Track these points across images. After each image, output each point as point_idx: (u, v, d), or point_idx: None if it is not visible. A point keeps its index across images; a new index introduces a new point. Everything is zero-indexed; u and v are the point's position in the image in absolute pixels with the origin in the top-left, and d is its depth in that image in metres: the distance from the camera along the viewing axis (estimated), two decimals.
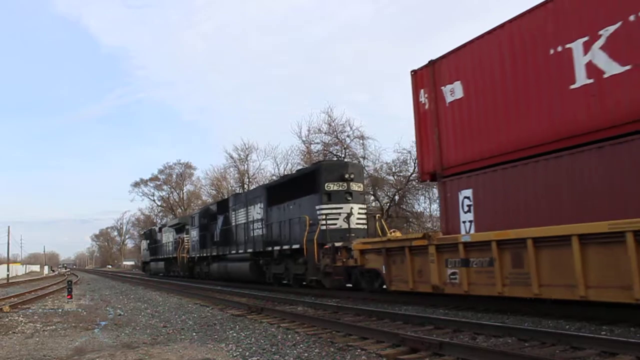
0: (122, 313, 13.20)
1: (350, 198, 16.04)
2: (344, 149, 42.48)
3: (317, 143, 44.24)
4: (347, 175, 16.07)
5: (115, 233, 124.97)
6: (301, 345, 7.41)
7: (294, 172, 22.40)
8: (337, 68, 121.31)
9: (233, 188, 56.15)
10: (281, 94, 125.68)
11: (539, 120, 9.47)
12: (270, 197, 19.37)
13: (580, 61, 8.85)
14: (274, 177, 49.19)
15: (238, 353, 7.09)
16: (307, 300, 13.69)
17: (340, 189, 15.98)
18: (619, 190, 8.07)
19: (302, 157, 45.68)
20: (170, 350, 7.40)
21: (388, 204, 39.59)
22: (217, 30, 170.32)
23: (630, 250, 6.99)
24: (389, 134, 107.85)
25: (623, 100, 8.16)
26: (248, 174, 54.02)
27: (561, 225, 8.21)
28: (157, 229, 41.84)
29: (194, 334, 9.15)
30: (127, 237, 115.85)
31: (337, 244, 14.68)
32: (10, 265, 54.12)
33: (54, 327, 10.62)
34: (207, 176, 64.46)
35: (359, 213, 16.12)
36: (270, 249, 18.63)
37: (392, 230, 15.63)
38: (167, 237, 35.86)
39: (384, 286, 12.47)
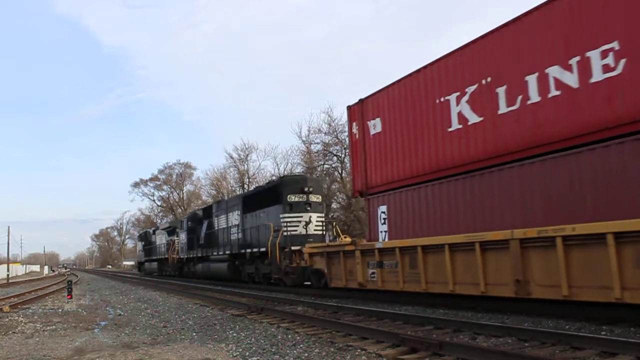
0: (122, 313, 13.20)
1: (309, 208, 18.45)
2: (344, 149, 42.46)
3: (317, 143, 44.27)
4: (306, 188, 18.49)
5: (115, 233, 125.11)
6: (301, 345, 7.42)
7: (266, 183, 26.32)
8: (337, 68, 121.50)
9: (233, 188, 56.20)
10: (281, 94, 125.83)
11: (428, 154, 12.34)
12: (245, 205, 21.84)
13: (455, 111, 11.66)
14: (274, 177, 49.25)
15: (238, 353, 7.09)
16: (307, 300, 13.70)
17: (301, 200, 18.46)
18: (478, 210, 11.04)
19: (302, 157, 45.69)
20: (170, 350, 7.40)
21: None
22: (217, 30, 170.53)
23: (477, 256, 9.44)
24: None
25: (480, 142, 11.01)
26: (248, 174, 54.05)
27: (439, 236, 10.89)
28: (151, 231, 44.07)
29: (194, 334, 9.15)
30: (127, 237, 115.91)
31: (293, 248, 16.88)
32: (10, 265, 54.15)
33: (54, 327, 10.63)
34: (207, 176, 64.58)
35: (316, 221, 18.46)
36: (244, 251, 21.09)
37: (344, 236, 17.40)
38: (160, 239, 37.91)
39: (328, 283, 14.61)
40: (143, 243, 46.37)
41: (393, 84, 13.80)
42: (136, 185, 78.70)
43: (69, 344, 8.40)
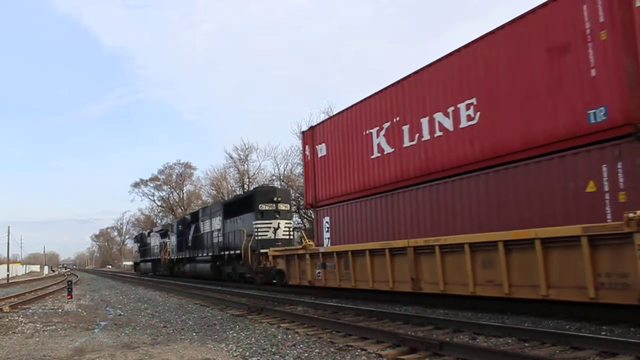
0: (122, 313, 13.20)
1: (278, 215, 20.93)
2: None
3: None
4: (276, 198, 21.10)
5: (115, 233, 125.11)
6: (301, 345, 7.42)
7: (243, 193, 30.54)
8: (337, 68, 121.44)
9: (233, 188, 56.21)
10: (281, 94, 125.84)
11: (358, 176, 15.13)
12: (225, 212, 24.28)
13: (375, 142, 14.51)
14: (274, 177, 49.36)
15: (238, 353, 7.09)
16: (307, 300, 13.70)
17: (271, 208, 20.92)
18: (391, 222, 13.88)
19: (303, 157, 45.63)
20: (171, 351, 7.40)
21: None
22: (217, 30, 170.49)
23: (387, 260, 11.53)
24: None
25: (393, 169, 13.85)
26: (248, 174, 54.05)
27: (364, 243, 13.44)
28: (146, 233, 46.77)
29: (194, 334, 9.15)
30: (127, 237, 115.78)
31: (262, 251, 19.25)
32: (10, 265, 54.16)
33: (54, 327, 10.63)
34: (207, 176, 64.59)
35: (284, 227, 20.92)
36: (223, 253, 23.71)
37: (308, 240, 18.46)
38: (154, 241, 40.46)
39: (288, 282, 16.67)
40: (139, 244, 48.69)
41: (334, 115, 17.46)
42: (136, 185, 78.79)
43: (69, 344, 8.40)
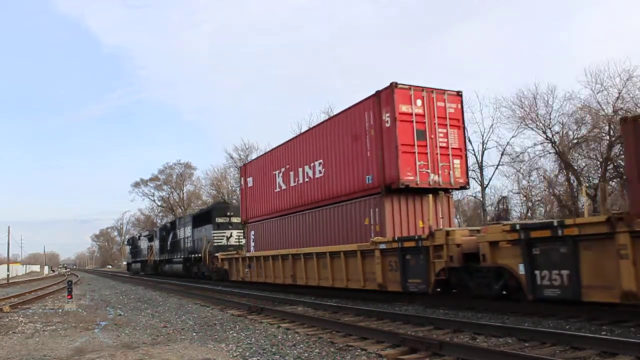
0: (122, 313, 13.20)
1: (230, 227, 26.31)
2: None
3: None
4: (229, 213, 26.64)
5: (116, 233, 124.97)
6: (301, 345, 7.42)
7: (205, 207, 37.52)
8: (338, 68, 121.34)
9: (233, 188, 56.20)
10: (282, 94, 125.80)
11: (269, 205, 20.13)
12: (194, 222, 29.92)
13: (277, 180, 19.40)
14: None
15: (238, 353, 7.09)
16: (307, 300, 13.71)
17: (225, 221, 26.43)
18: (287, 235, 18.53)
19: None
20: (171, 351, 7.40)
21: None
22: (218, 30, 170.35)
23: (280, 262, 16.95)
24: None
25: (286, 200, 18.73)
26: None
27: (272, 250, 18.45)
28: (137, 237, 51.95)
29: (194, 334, 9.15)
30: (127, 237, 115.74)
31: (216, 254, 24.13)
32: (11, 265, 54.12)
33: (54, 327, 10.63)
34: (207, 176, 64.60)
35: (236, 235, 26.19)
36: (191, 256, 29.56)
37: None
38: (143, 244, 45.45)
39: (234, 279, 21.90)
40: (130, 247, 54.44)
41: (258, 157, 24.51)
42: (136, 185, 78.73)
43: (69, 344, 8.40)
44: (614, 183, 30.43)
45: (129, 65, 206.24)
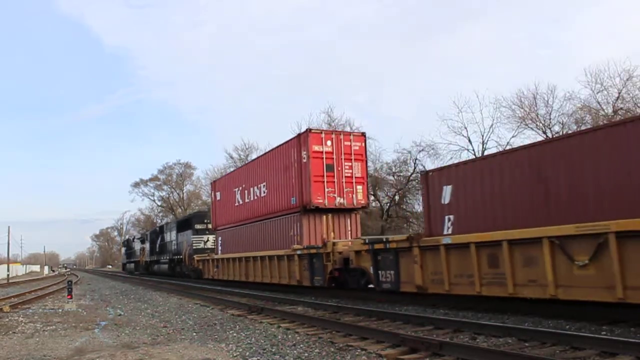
0: (122, 313, 13.20)
1: (207, 232, 29.31)
2: None
3: None
4: (206, 220, 29.40)
5: (116, 233, 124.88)
6: (301, 345, 7.42)
7: (187, 215, 41.18)
8: (338, 68, 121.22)
9: None
10: (282, 94, 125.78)
11: (231, 216, 23.44)
12: (178, 227, 33.71)
13: (237, 196, 22.74)
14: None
15: (238, 353, 7.09)
16: (307, 300, 13.71)
17: (202, 227, 29.97)
18: (246, 241, 21.40)
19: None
20: (171, 350, 7.40)
21: (388, 204, 39.58)
22: (219, 30, 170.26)
23: (244, 263, 20.96)
24: (389, 133, 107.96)
25: (242, 213, 22.05)
26: None
27: (236, 253, 21.88)
28: (131, 239, 56.86)
29: (194, 334, 9.15)
30: (127, 237, 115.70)
31: (194, 256, 27.96)
32: (11, 265, 54.12)
33: (54, 327, 10.63)
34: (207, 176, 64.49)
35: (212, 240, 28.44)
36: (175, 257, 33.60)
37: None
38: (137, 246, 49.73)
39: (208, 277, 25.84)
40: (125, 248, 59.77)
41: (223, 176, 30.30)
42: (136, 185, 78.66)
43: (69, 344, 8.40)
44: None
45: (129, 65, 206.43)
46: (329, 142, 17.61)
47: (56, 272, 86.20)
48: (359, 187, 17.76)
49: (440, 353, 6.25)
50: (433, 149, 37.39)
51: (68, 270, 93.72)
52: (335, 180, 17.30)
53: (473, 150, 36.03)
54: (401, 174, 39.09)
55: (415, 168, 38.03)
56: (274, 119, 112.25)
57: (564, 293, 8.40)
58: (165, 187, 76.99)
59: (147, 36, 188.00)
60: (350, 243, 14.64)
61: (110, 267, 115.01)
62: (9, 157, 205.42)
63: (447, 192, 11.93)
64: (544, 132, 32.91)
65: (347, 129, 41.76)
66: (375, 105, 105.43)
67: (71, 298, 16.14)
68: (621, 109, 29.95)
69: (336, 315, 10.49)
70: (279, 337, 8.26)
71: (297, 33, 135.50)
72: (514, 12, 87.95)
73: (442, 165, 15.70)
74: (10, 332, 9.98)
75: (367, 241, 13.33)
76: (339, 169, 17.47)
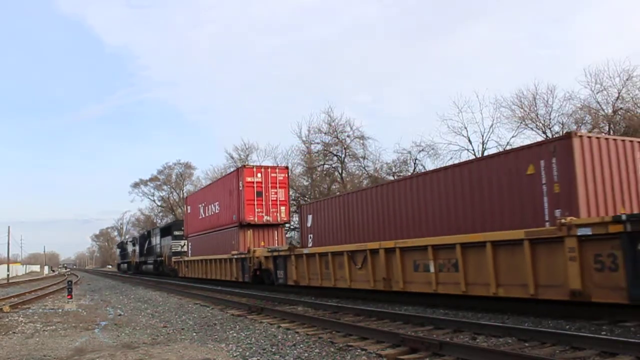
0: (122, 313, 13.20)
1: (183, 238, 33.90)
2: (344, 149, 42.46)
3: (317, 143, 44.34)
4: (182, 228, 34.14)
5: (116, 233, 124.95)
6: (301, 345, 7.42)
7: (167, 223, 48.23)
8: (340, 68, 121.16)
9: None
10: (283, 94, 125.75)
11: (197, 226, 29.86)
12: (161, 233, 39.33)
13: (200, 211, 29.38)
14: None
15: (238, 353, 7.09)
16: (307, 300, 13.71)
17: (180, 234, 34.61)
18: (209, 247, 27.16)
19: (302, 157, 45.67)
20: (171, 350, 7.40)
21: None
22: (220, 31, 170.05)
23: (203, 264, 26.00)
24: (390, 134, 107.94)
25: (206, 223, 28.20)
26: None
27: (201, 256, 27.40)
28: (125, 241, 63.55)
29: (194, 334, 9.15)
30: (127, 237, 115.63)
31: (172, 258, 33.30)
32: (11, 265, 54.14)
33: (54, 327, 10.63)
34: (207, 176, 64.49)
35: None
36: (158, 258, 39.21)
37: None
38: (129, 248, 55.60)
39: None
40: (120, 250, 66.95)
41: (193, 193, 40.76)
42: (136, 185, 78.77)
43: (69, 344, 8.40)
44: None
45: (130, 65, 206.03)
46: (259, 175, 23.46)
47: (56, 272, 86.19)
48: (282, 208, 23.59)
49: (440, 353, 6.24)
50: (433, 149, 37.50)
51: (68, 270, 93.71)
52: (264, 203, 23.27)
53: (473, 150, 36.11)
54: (401, 174, 39.10)
55: (415, 168, 38.08)
56: (274, 119, 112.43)
57: (352, 285, 13.45)
58: (165, 187, 77.11)
59: (148, 36, 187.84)
60: (265, 251, 19.02)
61: (110, 267, 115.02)
62: (9, 157, 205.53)
63: (309, 219, 19.59)
64: (544, 132, 32.95)
65: (347, 129, 41.99)
66: (376, 105, 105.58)
67: (71, 298, 16.14)
68: (621, 109, 29.98)
69: (336, 315, 10.49)
70: (279, 337, 8.26)
71: (298, 33, 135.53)
72: (514, 12, 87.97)
73: (311, 202, 24.17)
74: (10, 332, 9.98)
75: (270, 249, 18.45)
76: (267, 194, 23.35)
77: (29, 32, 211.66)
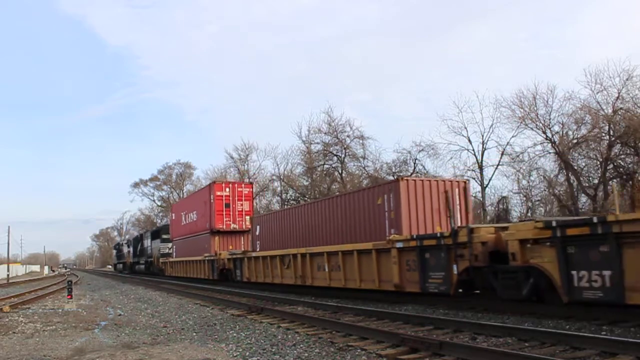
0: (122, 313, 13.20)
1: (170, 241, 36.56)
2: (344, 149, 42.43)
3: (317, 143, 44.28)
4: (170, 232, 37.12)
5: (116, 233, 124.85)
6: (301, 345, 7.42)
7: (156, 227, 49.55)
8: (340, 68, 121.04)
9: None
10: (283, 94, 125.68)
11: (180, 231, 34.37)
12: (152, 236, 42.24)
13: (182, 218, 33.99)
14: (274, 177, 49.83)
15: (238, 353, 7.09)
16: (307, 300, 13.71)
17: (167, 237, 37.02)
18: (187, 250, 32.20)
19: (302, 157, 45.64)
20: (171, 350, 7.40)
21: None
22: (222, 31, 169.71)
23: (185, 265, 30.47)
24: (390, 134, 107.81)
25: (187, 229, 32.51)
26: (248, 174, 54.02)
27: (182, 257, 32.95)
28: (121, 243, 67.73)
29: (194, 334, 9.15)
30: (127, 237, 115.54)
31: (160, 259, 37.33)
32: (11, 265, 54.10)
33: (54, 327, 10.62)
34: (207, 176, 64.47)
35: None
36: (149, 259, 42.52)
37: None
38: (125, 249, 59.33)
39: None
40: (116, 251, 70.34)
41: (177, 202, 46.48)
42: (136, 185, 78.67)
43: (69, 344, 8.40)
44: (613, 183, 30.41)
45: (132, 65, 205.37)
46: (227, 189, 27.94)
47: (56, 272, 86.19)
48: (247, 217, 27.03)
49: (440, 353, 6.25)
50: (433, 149, 37.44)
51: (68, 270, 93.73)
52: (231, 213, 27.61)
53: (473, 150, 36.05)
54: (401, 174, 39.09)
55: (415, 168, 38.05)
56: (274, 118, 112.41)
57: (282, 281, 17.51)
58: (165, 187, 77.01)
59: (149, 36, 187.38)
60: (226, 253, 23.49)
61: (110, 267, 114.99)
62: (10, 157, 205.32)
63: (258, 228, 22.98)
64: (544, 132, 32.93)
65: (347, 129, 42.01)
66: (376, 105, 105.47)
67: (71, 298, 16.14)
68: (621, 108, 29.94)
69: (336, 315, 10.49)
70: (279, 337, 8.26)
71: (298, 33, 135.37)
72: (514, 12, 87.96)
73: (259, 215, 25.50)
74: (10, 332, 9.98)
75: (230, 253, 22.78)
76: (234, 206, 27.76)
77: (30, 32, 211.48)
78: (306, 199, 42.83)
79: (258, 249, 21.93)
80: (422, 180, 15.19)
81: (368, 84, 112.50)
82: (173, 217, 36.36)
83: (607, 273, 7.74)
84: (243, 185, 29.67)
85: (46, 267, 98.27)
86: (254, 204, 35.18)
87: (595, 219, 7.93)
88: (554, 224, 8.53)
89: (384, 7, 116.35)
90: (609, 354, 5.81)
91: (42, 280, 44.21)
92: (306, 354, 6.82)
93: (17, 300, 17.74)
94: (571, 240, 8.21)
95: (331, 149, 42.98)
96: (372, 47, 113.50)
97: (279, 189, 49.77)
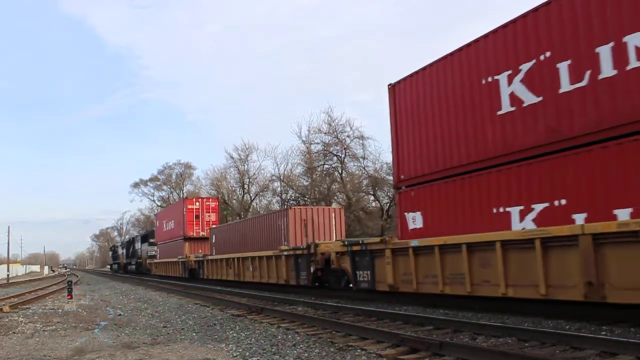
0: (122, 313, 13.20)
1: (156, 244, 41.40)
2: (344, 149, 42.45)
3: (317, 143, 44.31)
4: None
5: (116, 233, 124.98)
6: (301, 346, 7.42)
7: (145, 232, 53.09)
8: (340, 68, 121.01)
9: (233, 188, 56.38)
10: (283, 94, 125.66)
11: (162, 236, 40.82)
12: (142, 240, 46.72)
13: (164, 225, 39.95)
14: (274, 177, 49.93)
15: (238, 353, 7.09)
16: (307, 300, 13.71)
17: (154, 241, 41.64)
18: (166, 253, 38.64)
19: (302, 157, 45.66)
20: (171, 351, 7.41)
21: (388, 204, 39.56)
22: (222, 31, 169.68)
23: (164, 265, 36.72)
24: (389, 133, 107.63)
25: (167, 236, 38.56)
26: (248, 174, 54.10)
27: (162, 259, 40.18)
28: (116, 245, 72.14)
29: (194, 334, 9.15)
30: (127, 237, 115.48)
31: (147, 260, 42.44)
32: (10, 265, 54.13)
33: (54, 327, 10.62)
34: (208, 176, 64.66)
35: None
36: (139, 260, 47.01)
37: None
38: (120, 251, 63.57)
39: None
40: (112, 252, 74.38)
41: (160, 212, 51.94)
42: (136, 185, 78.83)
43: (69, 344, 8.40)
44: None
45: (132, 65, 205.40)
46: (197, 203, 34.53)
47: (56, 272, 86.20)
48: (214, 226, 31.18)
49: (440, 353, 6.24)
50: None
51: (68, 270, 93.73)
52: (200, 222, 33.80)
53: None
54: None
55: None
56: (274, 118, 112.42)
57: (225, 277, 22.82)
58: (165, 187, 77.12)
59: (150, 36, 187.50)
60: (193, 256, 28.74)
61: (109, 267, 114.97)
62: (10, 157, 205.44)
63: (214, 237, 28.96)
64: None
65: (347, 129, 42.05)
66: (376, 105, 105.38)
67: (71, 298, 16.15)
68: None
69: (336, 315, 10.49)
70: (279, 337, 8.26)
71: (299, 33, 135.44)
72: (514, 12, 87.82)
73: (215, 227, 30.15)
74: (10, 332, 9.98)
75: (195, 256, 28.31)
76: (202, 217, 33.92)
77: (30, 32, 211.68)
78: (306, 199, 42.82)
79: (214, 254, 27.50)
80: (306, 209, 21.59)
81: (368, 84, 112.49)
82: (157, 224, 42.68)
83: (368, 272, 12.56)
84: (210, 199, 36.51)
85: (46, 267, 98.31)
86: (253, 207, 43.60)
87: (360, 241, 13.23)
88: (346, 243, 13.79)
89: (384, 7, 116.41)
90: (609, 354, 5.81)
91: (42, 281, 44.22)
92: (306, 354, 6.82)
93: (17, 301, 17.74)
94: (355, 253, 13.09)
95: (331, 149, 42.99)
96: (372, 47, 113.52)
97: (279, 189, 49.82)
